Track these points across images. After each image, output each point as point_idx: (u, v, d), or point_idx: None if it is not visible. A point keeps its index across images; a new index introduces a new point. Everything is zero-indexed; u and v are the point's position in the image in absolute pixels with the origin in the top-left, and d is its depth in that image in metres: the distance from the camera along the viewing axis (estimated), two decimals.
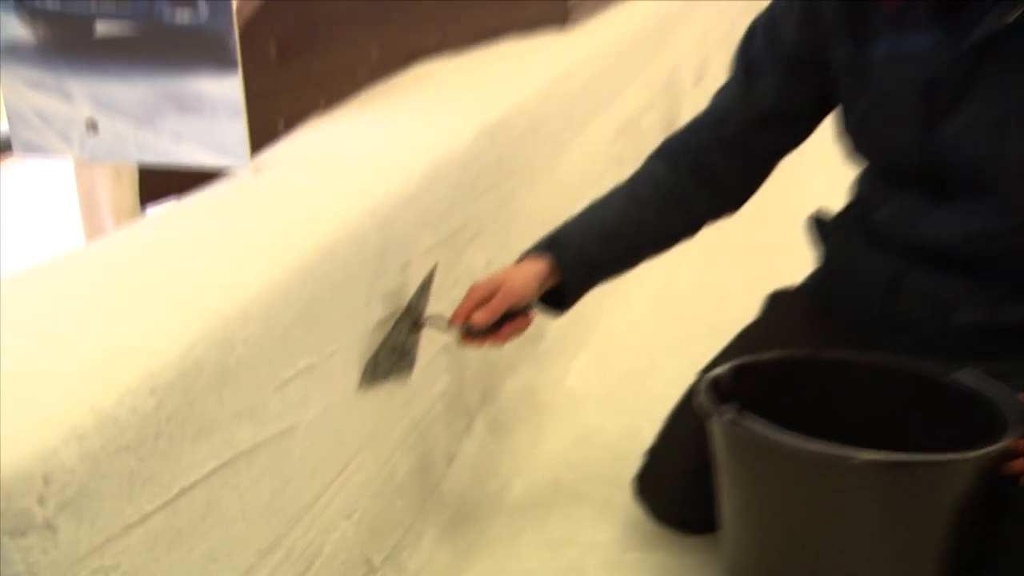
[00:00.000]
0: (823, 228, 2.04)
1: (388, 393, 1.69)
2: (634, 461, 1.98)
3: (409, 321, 1.76)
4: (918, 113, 1.77)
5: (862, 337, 1.91)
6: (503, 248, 2.29)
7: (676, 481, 1.91)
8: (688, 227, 1.97)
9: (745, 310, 2.08)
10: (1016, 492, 1.63)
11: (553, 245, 1.86)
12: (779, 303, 2.06)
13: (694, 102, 5.18)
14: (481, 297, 1.79)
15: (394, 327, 1.73)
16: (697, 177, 1.94)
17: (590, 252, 1.88)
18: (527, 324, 1.85)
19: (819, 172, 2.02)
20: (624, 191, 1.95)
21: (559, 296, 1.88)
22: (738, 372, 1.77)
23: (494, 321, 1.77)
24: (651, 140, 4.16)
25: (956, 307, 1.82)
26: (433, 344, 1.89)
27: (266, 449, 1.27)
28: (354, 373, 1.56)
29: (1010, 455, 1.58)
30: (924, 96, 1.76)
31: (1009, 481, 1.62)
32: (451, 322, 1.79)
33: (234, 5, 1.57)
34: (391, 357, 1.74)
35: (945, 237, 1.81)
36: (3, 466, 0.84)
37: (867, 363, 1.81)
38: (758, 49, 1.94)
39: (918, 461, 1.53)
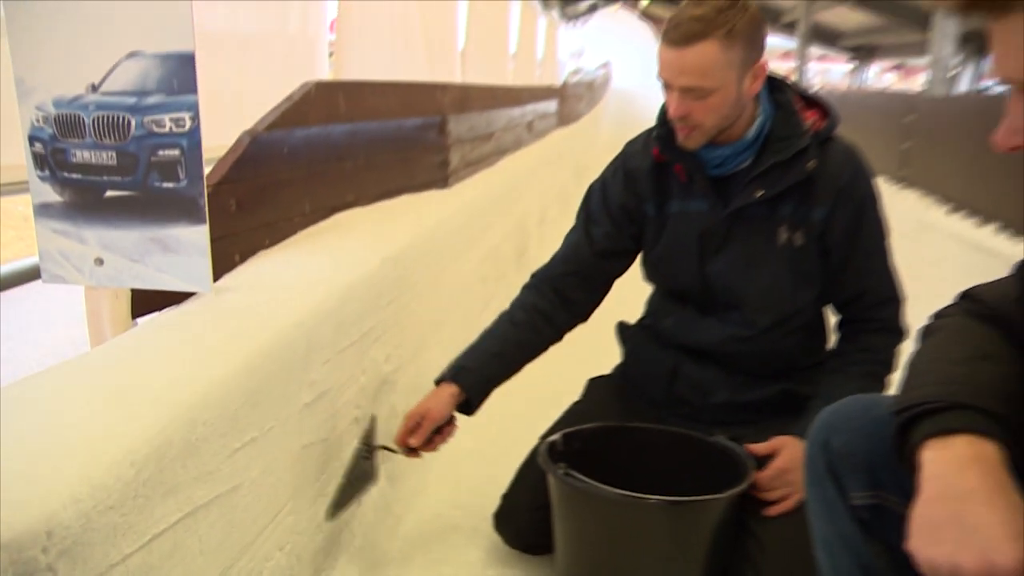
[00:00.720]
0: (625, 332, 2.06)
1: (311, 455, 1.65)
2: (494, 501, 1.96)
3: (364, 452, 1.84)
4: (695, 254, 1.81)
5: (653, 412, 1.93)
6: (399, 345, 2.28)
7: (524, 516, 1.89)
8: (553, 337, 1.96)
9: (575, 390, 2.09)
10: (756, 519, 1.67)
11: (458, 374, 1.85)
12: (595, 386, 2.07)
13: (538, 238, 5.28)
14: (413, 423, 1.81)
15: (353, 463, 1.81)
16: (557, 300, 1.94)
17: (485, 373, 1.87)
18: (452, 432, 1.87)
19: (626, 292, 2.04)
20: (505, 319, 1.95)
21: (467, 406, 1.87)
22: (567, 438, 1.78)
23: (425, 440, 1.81)
24: (507, 264, 4.23)
25: (714, 390, 1.87)
26: (347, 417, 1.86)
27: (219, 502, 1.24)
28: (287, 442, 1.52)
29: (751, 489, 1.64)
30: (699, 243, 1.81)
31: (751, 511, 1.67)
32: (398, 446, 1.83)
33: (204, 176, 1.57)
34: (355, 484, 1.81)
35: (709, 340, 1.85)
36: (14, 525, 0.82)
37: (656, 430, 1.84)
38: (594, 204, 1.94)
39: (690, 501, 1.57)
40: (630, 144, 1.93)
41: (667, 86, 1.69)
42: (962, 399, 0.93)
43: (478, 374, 1.86)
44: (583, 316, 1.99)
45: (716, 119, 1.69)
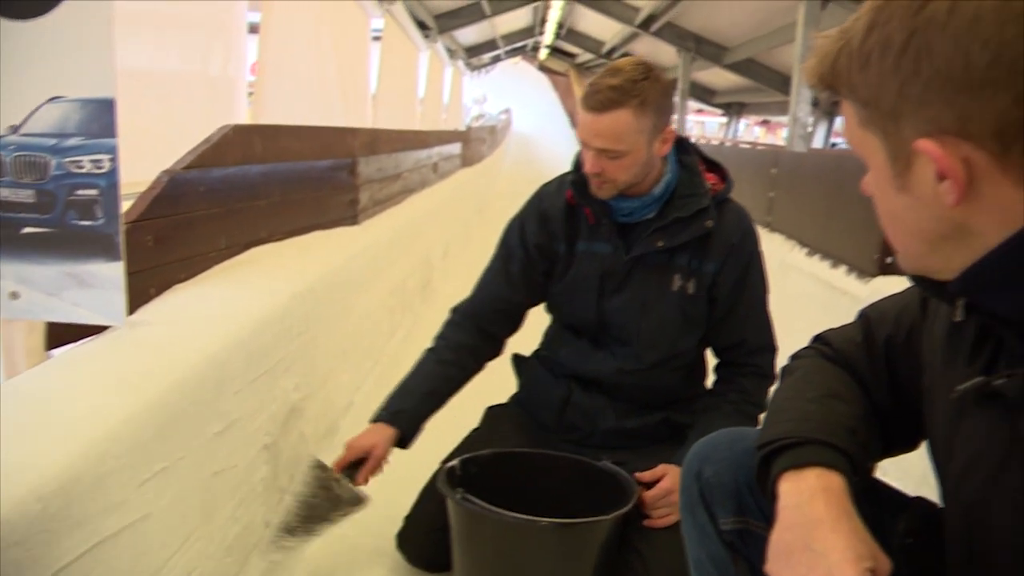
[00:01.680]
0: (520, 363, 2.05)
1: (222, 482, 1.60)
2: (397, 522, 1.93)
3: (326, 484, 1.82)
4: (595, 290, 1.84)
5: (546, 438, 1.94)
6: (308, 374, 2.23)
7: (425, 537, 1.87)
8: (477, 370, 1.96)
9: (473, 418, 2.07)
10: (639, 537, 1.69)
11: (395, 416, 1.83)
12: (493, 414, 2.06)
13: (442, 271, 5.27)
14: (355, 455, 1.80)
15: (314, 496, 1.82)
16: (479, 335, 1.94)
17: (420, 411, 1.86)
18: (384, 462, 1.85)
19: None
20: (432, 358, 1.93)
21: (403, 442, 1.85)
22: (465, 463, 1.76)
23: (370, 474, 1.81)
24: (413, 296, 4.20)
25: (602, 417, 1.88)
26: (256, 444, 1.81)
27: (128, 532, 1.18)
28: (197, 470, 1.47)
29: (636, 509, 1.66)
30: (600, 282, 1.83)
31: (635, 530, 1.68)
32: (334, 470, 1.82)
33: (121, 215, 1.51)
34: (329, 508, 1.81)
35: (600, 371, 1.87)
36: None
37: (548, 456, 1.84)
38: (512, 241, 1.95)
39: (578, 522, 1.57)
40: (545, 186, 1.96)
41: (584, 144, 1.73)
42: (814, 435, 0.96)
43: (413, 413, 1.85)
44: (500, 348, 2.01)
45: (627, 177, 1.73)
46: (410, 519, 1.92)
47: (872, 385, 1.07)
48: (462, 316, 1.97)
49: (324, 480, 1.82)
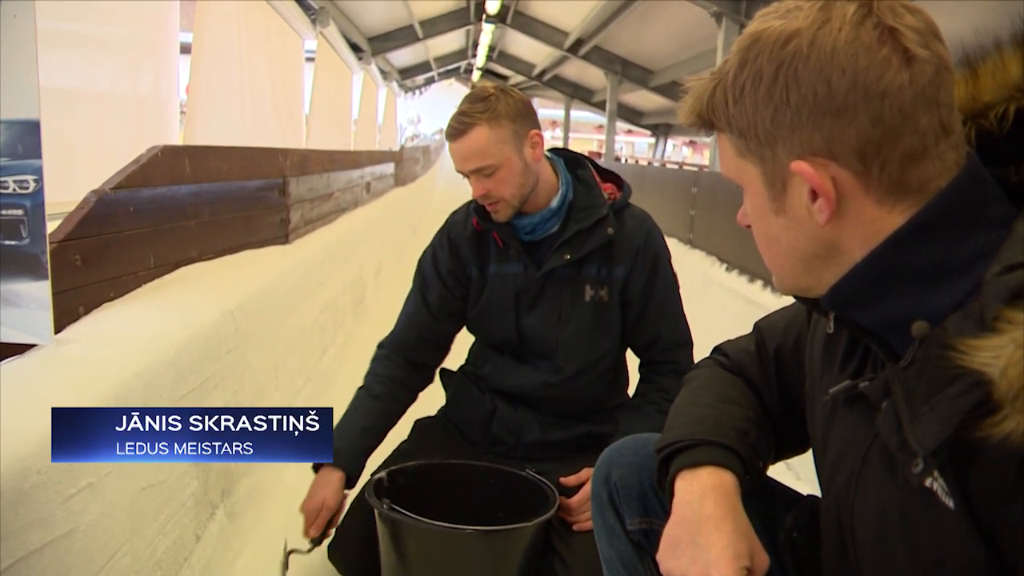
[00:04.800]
0: (447, 377, 2.08)
1: (149, 497, 1.60)
2: (328, 533, 1.93)
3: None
4: (512, 310, 1.88)
5: (472, 450, 1.97)
6: (237, 391, 2.22)
7: (354, 548, 1.86)
8: (411, 400, 1.99)
9: (402, 431, 2.06)
10: (560, 541, 1.73)
11: (337, 457, 1.79)
12: (420, 427, 2.07)
13: (375, 289, 5.27)
14: (314, 516, 1.79)
15: None
16: (408, 366, 1.96)
17: (360, 448, 1.86)
18: (343, 509, 1.85)
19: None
20: (364, 395, 1.93)
21: (349, 481, 1.84)
22: (392, 475, 1.79)
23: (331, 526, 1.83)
24: (345, 314, 4.20)
25: (526, 430, 1.92)
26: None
27: (53, 546, 1.18)
28: (124, 486, 1.46)
29: (558, 515, 1.70)
30: (515, 300, 1.88)
31: (556, 534, 1.72)
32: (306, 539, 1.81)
33: (47, 235, 1.51)
34: None
35: (523, 385, 1.91)
36: None
37: (473, 466, 1.87)
38: (427, 271, 1.98)
39: (503, 529, 1.61)
40: (453, 215, 1.99)
41: (464, 175, 1.81)
42: (707, 436, 1.02)
43: (353, 452, 1.85)
44: (432, 376, 2.03)
45: (512, 188, 1.78)
46: (340, 530, 1.91)
47: (764, 391, 1.14)
48: (389, 350, 1.99)
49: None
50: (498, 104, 1.76)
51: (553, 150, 1.94)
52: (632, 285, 1.86)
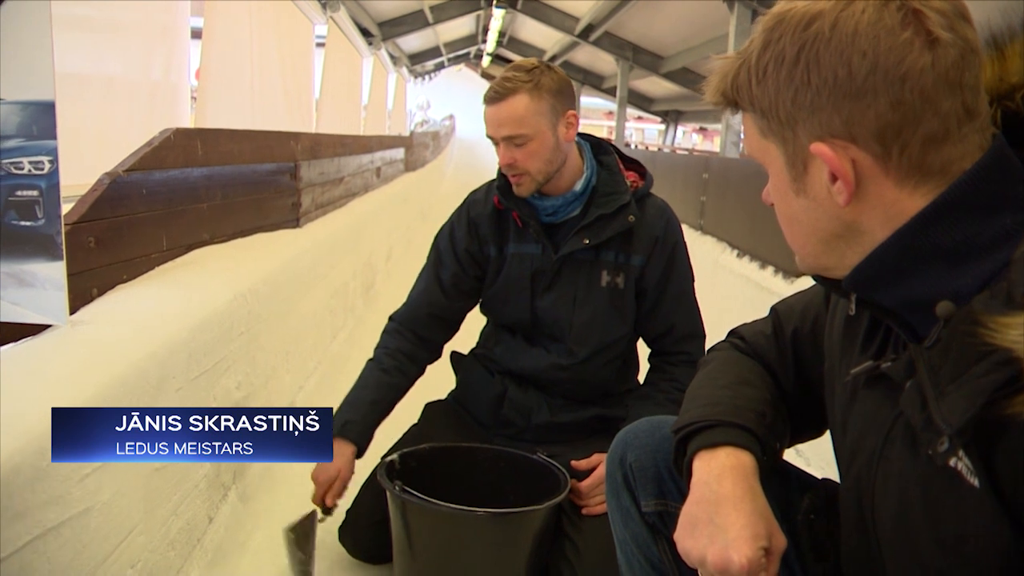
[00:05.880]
0: (458, 361, 2.08)
1: (163, 477, 1.60)
2: (339, 516, 1.93)
3: (301, 538, 1.78)
4: (527, 290, 1.88)
5: (482, 433, 1.97)
6: (249, 374, 2.23)
7: (365, 529, 1.89)
8: (419, 374, 1.98)
9: (413, 413, 2.08)
10: (571, 524, 1.73)
11: (345, 429, 1.82)
12: (431, 410, 2.08)
13: (385, 273, 5.27)
14: (326, 486, 1.80)
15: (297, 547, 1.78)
16: (418, 341, 1.97)
17: (368, 420, 1.87)
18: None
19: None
20: (374, 368, 1.94)
21: (358, 452, 1.85)
22: (404, 457, 1.79)
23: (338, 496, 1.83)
24: (355, 298, 4.20)
25: (537, 412, 1.92)
26: None
27: (69, 524, 1.19)
28: (139, 466, 1.47)
29: (569, 498, 1.70)
30: (531, 281, 1.88)
31: (567, 517, 1.72)
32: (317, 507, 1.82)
33: (62, 215, 1.51)
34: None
35: (534, 367, 1.91)
36: None
37: (484, 449, 1.87)
38: (443, 249, 1.98)
39: (514, 512, 1.61)
40: (473, 193, 1.99)
41: (493, 141, 1.80)
42: (725, 417, 1.02)
43: (363, 424, 1.86)
44: (439, 352, 2.03)
45: (539, 163, 1.78)
46: (351, 512, 1.93)
47: (781, 374, 1.13)
48: (399, 324, 2.00)
49: (299, 537, 1.79)
50: (542, 76, 1.76)
51: (580, 135, 1.92)
52: (649, 274, 1.85)
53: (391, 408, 1.93)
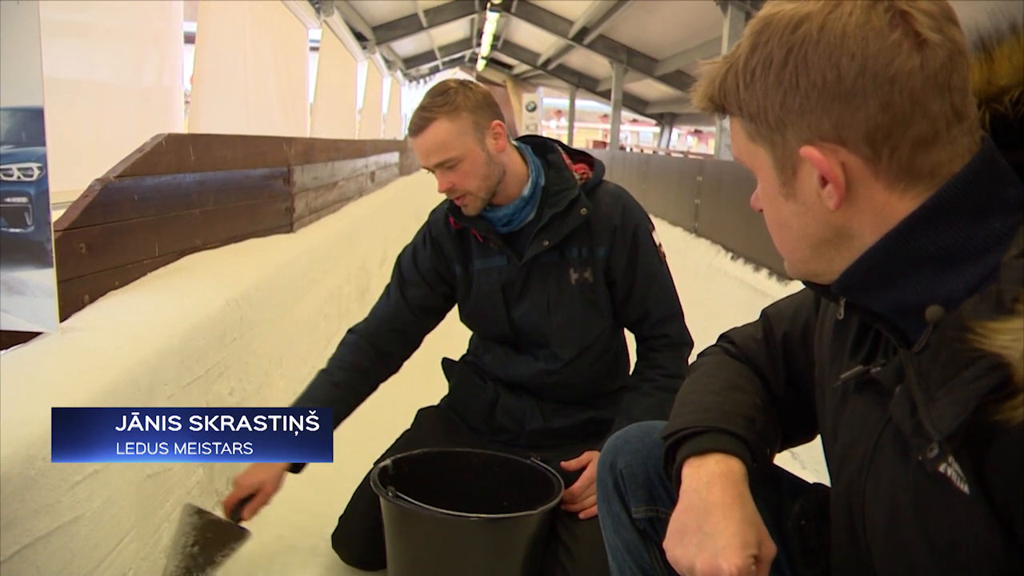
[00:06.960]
0: (449, 367, 2.08)
1: (155, 485, 1.60)
2: (332, 522, 1.94)
3: (205, 528, 1.67)
4: (501, 303, 1.87)
5: (475, 438, 1.97)
6: (242, 379, 2.22)
7: (359, 536, 1.88)
8: (369, 392, 1.93)
9: (406, 419, 2.08)
10: (564, 528, 1.73)
11: None
12: (424, 415, 2.07)
13: (379, 278, 5.26)
14: (245, 493, 1.73)
15: (194, 545, 1.65)
16: (375, 355, 1.93)
17: None
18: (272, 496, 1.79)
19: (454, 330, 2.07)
20: (325, 380, 1.90)
21: (296, 467, 1.80)
22: (397, 463, 1.78)
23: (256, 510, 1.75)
24: (350, 303, 4.19)
25: (529, 418, 1.92)
26: None
27: (59, 533, 1.18)
28: (130, 473, 1.46)
29: (565, 503, 1.70)
30: (503, 293, 1.87)
31: (561, 521, 1.72)
32: (224, 509, 1.74)
33: (52, 222, 1.50)
34: (200, 558, 1.65)
35: (523, 374, 1.90)
36: None
37: (477, 455, 1.87)
38: (406, 268, 1.97)
39: (508, 517, 1.61)
40: (433, 213, 1.98)
41: (429, 171, 1.80)
42: (714, 424, 1.01)
43: None
44: (396, 369, 2.00)
45: (477, 180, 1.78)
46: (344, 518, 1.92)
47: (771, 378, 1.13)
48: (360, 336, 1.97)
49: (202, 525, 1.68)
50: (457, 97, 1.75)
51: (520, 138, 1.92)
52: (615, 263, 1.84)
53: (336, 425, 1.84)
